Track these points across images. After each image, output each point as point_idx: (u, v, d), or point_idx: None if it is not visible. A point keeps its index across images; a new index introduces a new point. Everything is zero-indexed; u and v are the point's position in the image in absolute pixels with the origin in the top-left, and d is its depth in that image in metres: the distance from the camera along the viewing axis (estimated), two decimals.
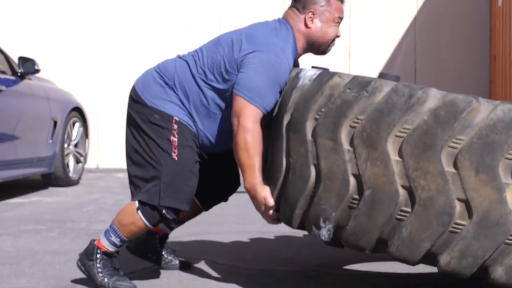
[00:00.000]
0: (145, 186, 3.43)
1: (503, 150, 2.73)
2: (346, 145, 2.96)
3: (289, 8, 3.57)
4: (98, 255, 3.46)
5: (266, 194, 3.28)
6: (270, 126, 3.34)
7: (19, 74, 6.84)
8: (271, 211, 3.31)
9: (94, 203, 6.49)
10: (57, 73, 9.30)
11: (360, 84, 2.98)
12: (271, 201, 3.27)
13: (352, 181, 2.95)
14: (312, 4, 3.48)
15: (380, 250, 3.04)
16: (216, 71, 3.40)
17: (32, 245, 4.53)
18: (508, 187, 2.73)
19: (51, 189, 7.39)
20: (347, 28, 9.18)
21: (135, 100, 3.53)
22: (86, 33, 9.51)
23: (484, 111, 2.79)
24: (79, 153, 7.85)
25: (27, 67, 6.86)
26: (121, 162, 9.41)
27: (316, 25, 3.47)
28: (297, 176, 3.11)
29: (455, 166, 2.78)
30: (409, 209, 2.86)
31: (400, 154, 2.85)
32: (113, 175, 8.87)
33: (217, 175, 3.70)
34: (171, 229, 3.80)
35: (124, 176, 8.79)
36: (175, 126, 3.40)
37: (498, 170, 2.73)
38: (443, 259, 2.86)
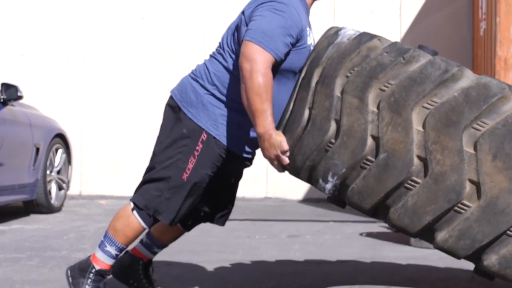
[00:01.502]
0: (146, 186, 3.46)
1: None
2: (371, 106, 2.98)
3: None
4: (91, 275, 3.41)
5: (282, 138, 3.22)
6: (298, 77, 3.32)
7: (1, 100, 6.80)
8: (283, 157, 3.23)
9: (76, 230, 6.44)
10: (41, 99, 9.27)
11: (399, 50, 3.02)
12: (286, 146, 3.21)
13: (370, 141, 2.97)
14: None
15: (380, 216, 3.06)
16: (237, 47, 3.39)
17: (11, 274, 4.47)
18: None
19: (33, 216, 7.33)
20: None
21: (172, 108, 3.50)
22: (71, 59, 9.50)
23: None
24: (61, 179, 7.80)
25: (10, 93, 6.83)
26: (105, 188, 9.37)
27: None
28: (316, 128, 3.11)
29: (475, 147, 2.81)
30: (419, 180, 2.89)
31: (423, 125, 2.88)
32: (95, 202, 8.82)
33: (210, 199, 3.66)
34: (154, 253, 3.78)
35: (107, 203, 8.76)
36: (200, 146, 3.38)
37: None
38: (441, 235, 2.89)
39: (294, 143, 3.18)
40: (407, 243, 5.53)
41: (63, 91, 9.46)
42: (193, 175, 3.39)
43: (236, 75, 3.37)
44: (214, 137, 3.39)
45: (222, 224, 3.74)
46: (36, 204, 7.36)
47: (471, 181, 2.82)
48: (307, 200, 9.06)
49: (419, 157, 2.88)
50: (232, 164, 3.51)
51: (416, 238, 5.28)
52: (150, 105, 9.33)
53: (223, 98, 3.41)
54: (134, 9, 9.43)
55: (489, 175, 2.78)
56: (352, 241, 5.87)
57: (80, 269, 3.45)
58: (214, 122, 3.39)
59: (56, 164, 7.68)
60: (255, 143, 3.43)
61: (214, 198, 3.66)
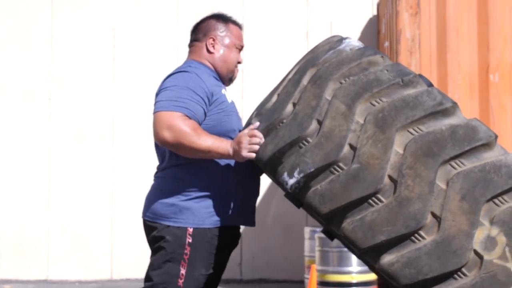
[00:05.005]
0: None
1: (495, 192, 2.82)
2: (357, 117, 2.99)
3: (189, 46, 3.60)
4: None
5: (241, 132, 3.20)
6: (287, 74, 3.30)
7: None
8: (256, 131, 3.17)
9: None
10: None
11: (400, 71, 3.04)
12: (259, 133, 3.16)
13: (346, 149, 2.97)
14: (212, 31, 3.53)
15: (333, 224, 3.04)
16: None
17: None
18: (480, 227, 2.80)
19: None
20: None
21: (149, 228, 3.39)
22: None
23: (496, 151, 2.90)
24: None
25: None
26: (10, 272, 9.11)
27: (218, 50, 3.51)
28: (296, 122, 3.08)
29: (447, 184, 2.85)
30: (384, 199, 2.91)
31: (403, 147, 2.90)
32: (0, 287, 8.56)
33: None
34: None
35: (12, 287, 8.48)
36: (188, 250, 3.28)
37: (481, 207, 2.81)
38: (389, 258, 2.90)
39: (268, 132, 3.17)
40: None
41: None
42: (187, 279, 3.28)
43: (190, 163, 3.33)
44: (199, 229, 3.31)
45: None
46: None
47: (433, 214, 2.85)
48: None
49: (390, 177, 2.90)
50: (225, 246, 3.42)
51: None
52: (57, 188, 9.21)
53: (193, 189, 3.34)
54: (41, 89, 9.38)
55: (453, 213, 2.82)
56: None
57: None
58: (196, 215, 3.32)
59: None
60: (238, 210, 3.41)
61: None
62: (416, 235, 2.87)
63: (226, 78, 3.55)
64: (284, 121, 3.13)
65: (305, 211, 3.41)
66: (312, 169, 3.01)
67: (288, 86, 3.22)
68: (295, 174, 3.05)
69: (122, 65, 9.40)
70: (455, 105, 2.97)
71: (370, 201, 2.93)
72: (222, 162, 3.37)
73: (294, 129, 3.08)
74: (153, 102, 3.42)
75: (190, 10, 9.38)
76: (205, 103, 3.31)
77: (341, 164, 2.98)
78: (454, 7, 6.36)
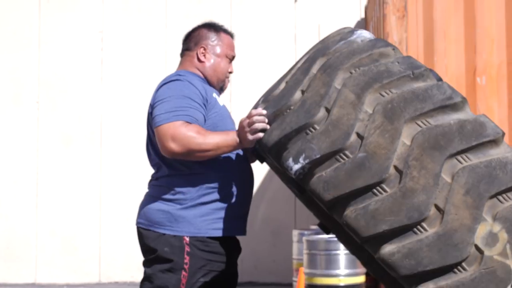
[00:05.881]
0: None
1: (500, 188, 2.82)
2: (366, 107, 2.99)
3: (181, 55, 3.61)
4: None
5: (243, 117, 3.19)
6: (296, 63, 3.31)
7: None
8: (256, 110, 3.18)
9: None
10: None
11: (411, 64, 3.06)
12: (262, 110, 3.17)
13: (353, 138, 2.97)
14: (203, 40, 3.53)
15: (335, 211, 3.03)
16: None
17: None
18: (483, 222, 2.81)
19: None
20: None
21: (143, 236, 3.39)
22: None
23: (503, 148, 2.90)
24: None
25: None
26: None
27: (209, 59, 3.51)
28: (304, 109, 3.09)
29: (452, 177, 2.85)
30: (388, 189, 2.90)
31: (410, 139, 2.91)
32: None
33: None
34: None
35: None
36: (187, 259, 3.28)
37: (485, 203, 2.81)
38: (390, 248, 2.89)
39: (275, 118, 3.17)
40: None
41: None
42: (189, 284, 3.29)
43: (185, 172, 3.34)
44: (196, 237, 3.31)
45: None
46: None
47: (437, 207, 2.85)
48: None
49: (396, 167, 2.91)
50: (225, 253, 3.41)
51: None
52: (45, 191, 9.19)
53: (189, 198, 3.34)
54: (29, 92, 9.36)
55: (456, 207, 2.82)
56: None
57: None
58: (192, 224, 3.32)
59: None
60: (234, 218, 3.40)
61: None
62: (419, 226, 2.87)
63: (217, 88, 3.55)
64: (292, 107, 3.13)
65: (303, 203, 3.42)
66: (318, 156, 3.01)
67: (297, 74, 3.22)
68: (301, 160, 3.04)
69: (110, 68, 9.40)
70: (464, 100, 2.98)
71: (375, 190, 2.93)
72: (217, 170, 3.37)
73: (301, 116, 3.08)
74: (147, 112, 3.44)
75: (178, 13, 9.38)
76: (203, 108, 3.32)
77: (347, 152, 2.98)
78: (441, 10, 6.37)
